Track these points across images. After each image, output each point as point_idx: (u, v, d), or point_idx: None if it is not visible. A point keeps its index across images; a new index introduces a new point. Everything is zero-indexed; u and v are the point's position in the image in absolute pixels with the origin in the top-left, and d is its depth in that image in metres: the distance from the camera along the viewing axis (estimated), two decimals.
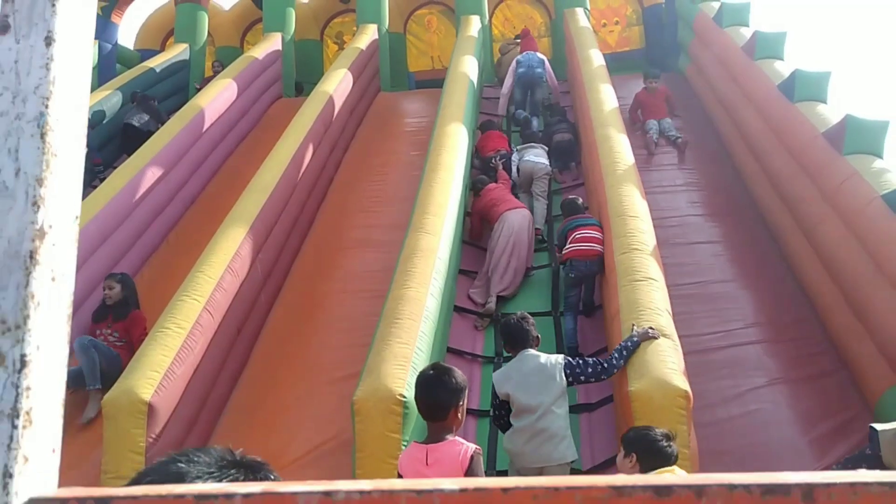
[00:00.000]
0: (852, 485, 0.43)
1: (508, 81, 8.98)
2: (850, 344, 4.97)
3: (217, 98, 8.29)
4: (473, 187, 6.79)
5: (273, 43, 10.37)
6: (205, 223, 6.65)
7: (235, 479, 0.69)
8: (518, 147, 7.47)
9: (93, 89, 6.26)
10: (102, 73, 10.73)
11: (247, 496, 0.45)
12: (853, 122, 5.54)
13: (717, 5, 9.33)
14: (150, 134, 7.98)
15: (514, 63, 9.11)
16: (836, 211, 5.38)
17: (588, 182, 6.99)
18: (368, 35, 10.26)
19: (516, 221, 6.09)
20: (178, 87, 10.74)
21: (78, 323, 5.12)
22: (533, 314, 4.40)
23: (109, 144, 9.15)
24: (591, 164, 6.75)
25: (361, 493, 0.44)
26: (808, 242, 5.73)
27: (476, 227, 6.62)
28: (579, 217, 5.84)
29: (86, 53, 0.52)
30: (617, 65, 10.21)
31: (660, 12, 11.77)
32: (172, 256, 6.66)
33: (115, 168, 7.22)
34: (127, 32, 12.94)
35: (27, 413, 0.45)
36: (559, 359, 3.86)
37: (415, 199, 5.96)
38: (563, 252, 5.63)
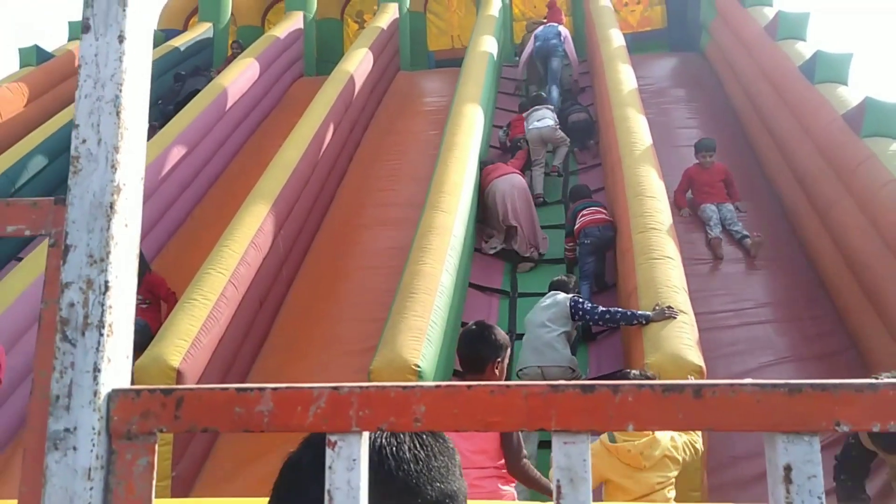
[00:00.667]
0: (731, 385, 0.56)
1: (528, 50, 9.38)
2: (859, 324, 5.04)
3: (240, 77, 8.44)
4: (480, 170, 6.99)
5: (295, 22, 10.48)
6: (228, 200, 6.84)
7: None
8: (525, 114, 7.63)
9: None
10: None
11: (275, 390, 0.59)
12: (873, 104, 5.55)
13: None
14: None
15: (532, 37, 9.31)
16: (851, 193, 5.41)
17: (606, 162, 7.05)
18: (389, 14, 10.34)
19: (502, 186, 6.40)
20: (202, 66, 10.89)
21: None
22: None
23: None
24: (609, 145, 6.81)
25: (361, 388, 0.58)
26: (822, 224, 5.77)
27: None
28: (586, 200, 6.22)
29: (147, 48, 0.66)
30: (638, 45, 10.19)
31: None
32: (197, 231, 6.87)
33: None
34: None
35: (110, 325, 0.60)
36: (571, 296, 4.75)
37: (431, 178, 6.09)
38: (576, 227, 5.92)
